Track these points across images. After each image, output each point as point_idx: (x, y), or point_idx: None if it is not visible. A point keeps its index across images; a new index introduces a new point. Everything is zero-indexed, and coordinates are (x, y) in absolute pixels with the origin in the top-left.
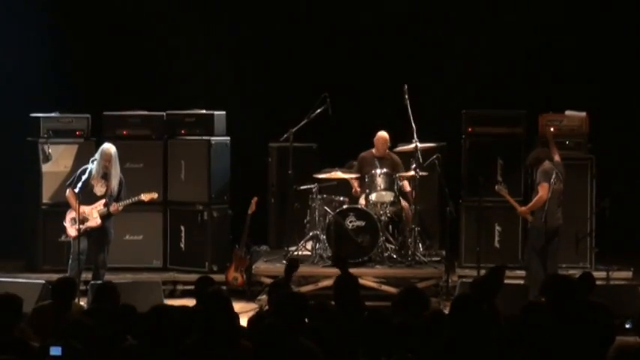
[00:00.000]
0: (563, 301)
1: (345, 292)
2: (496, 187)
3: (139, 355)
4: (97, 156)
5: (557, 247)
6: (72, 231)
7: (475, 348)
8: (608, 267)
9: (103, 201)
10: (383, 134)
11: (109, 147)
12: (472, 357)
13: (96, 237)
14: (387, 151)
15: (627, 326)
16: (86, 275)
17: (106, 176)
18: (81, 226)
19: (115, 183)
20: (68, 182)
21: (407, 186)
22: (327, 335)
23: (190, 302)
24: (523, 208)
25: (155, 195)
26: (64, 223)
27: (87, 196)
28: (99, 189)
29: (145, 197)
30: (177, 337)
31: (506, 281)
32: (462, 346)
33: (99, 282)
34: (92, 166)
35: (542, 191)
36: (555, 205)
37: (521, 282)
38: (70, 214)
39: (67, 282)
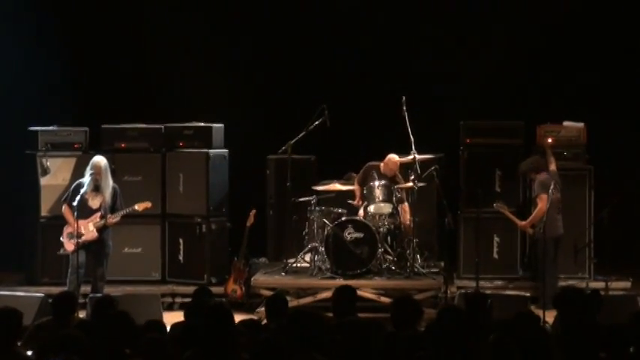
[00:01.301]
0: (574, 315)
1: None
2: (494, 204)
3: None
4: (87, 169)
5: (555, 257)
6: (69, 245)
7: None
8: (607, 277)
9: (98, 214)
10: (394, 159)
11: (99, 160)
12: None
13: (94, 250)
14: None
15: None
16: (85, 288)
17: (98, 189)
18: (78, 240)
19: (108, 194)
20: (63, 198)
21: (406, 218)
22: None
23: None
24: (523, 223)
25: (149, 204)
26: (61, 239)
27: (82, 210)
28: (93, 202)
29: (138, 207)
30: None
31: (505, 292)
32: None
33: (98, 295)
34: (86, 180)
35: (542, 203)
36: (555, 214)
37: (518, 293)
38: (67, 229)
39: (67, 296)
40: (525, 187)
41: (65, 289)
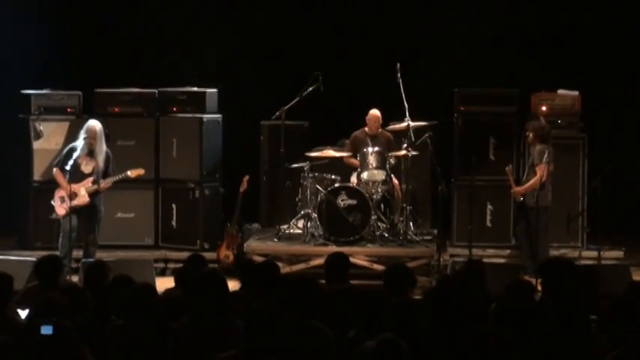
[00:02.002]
0: (559, 285)
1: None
2: (507, 168)
3: (125, 335)
4: (82, 133)
5: (547, 226)
6: (60, 209)
7: (461, 328)
8: (600, 247)
9: (90, 178)
10: (375, 112)
11: (94, 124)
12: (459, 337)
13: (85, 215)
14: (380, 129)
15: None
16: (78, 253)
17: (91, 153)
18: (70, 205)
19: (101, 160)
20: (55, 162)
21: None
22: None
23: None
24: (519, 188)
25: (142, 171)
26: (52, 202)
27: (74, 175)
28: (86, 167)
29: (131, 174)
30: (166, 316)
31: (497, 260)
32: (447, 327)
33: (90, 260)
34: (79, 144)
35: (540, 172)
36: (548, 184)
37: (512, 261)
38: (58, 193)
39: (50, 260)
40: (519, 155)
41: (52, 253)
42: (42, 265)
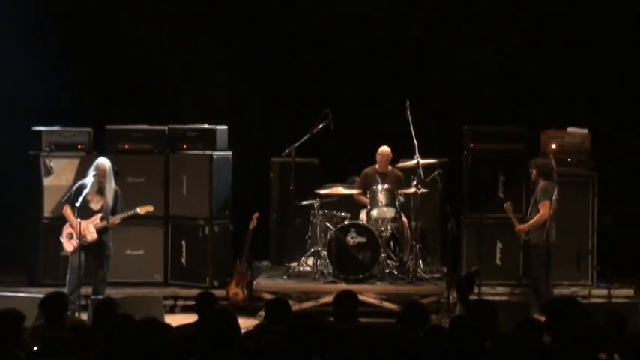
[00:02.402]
0: (564, 323)
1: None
2: (504, 205)
3: None
4: (91, 171)
5: (550, 264)
6: (68, 246)
7: None
8: (610, 285)
9: (99, 215)
10: (385, 149)
11: (103, 162)
12: None
13: (94, 251)
14: (390, 166)
15: None
16: (87, 290)
17: (101, 191)
18: (79, 242)
19: (110, 197)
20: (64, 198)
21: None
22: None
23: (191, 318)
24: (522, 226)
25: (151, 208)
26: (61, 239)
27: (83, 212)
28: (95, 204)
29: (140, 211)
30: (176, 356)
31: (507, 298)
32: None
33: (99, 297)
34: (89, 181)
35: (544, 210)
36: (553, 222)
37: (521, 299)
38: (66, 230)
39: (55, 297)
40: (529, 193)
41: (58, 290)
42: (47, 301)
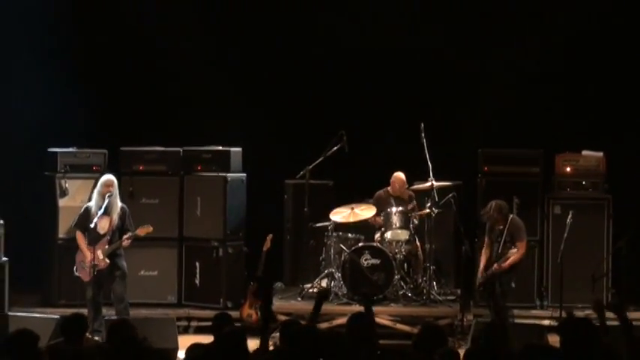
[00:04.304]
0: (578, 344)
1: (358, 330)
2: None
3: None
4: (97, 189)
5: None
6: (83, 274)
7: None
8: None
9: (106, 239)
10: (401, 176)
11: (107, 176)
12: None
13: (108, 274)
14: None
15: None
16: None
17: (106, 210)
18: (90, 271)
19: (115, 215)
20: (74, 223)
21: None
22: None
23: (204, 339)
24: (505, 264)
25: (150, 228)
26: (75, 272)
27: (90, 236)
28: (101, 226)
29: (140, 232)
30: None
31: (521, 321)
32: None
33: (113, 317)
34: (94, 202)
35: (523, 249)
36: None
37: (535, 322)
38: (79, 257)
39: (76, 318)
40: (543, 216)
41: (78, 311)
42: (67, 323)
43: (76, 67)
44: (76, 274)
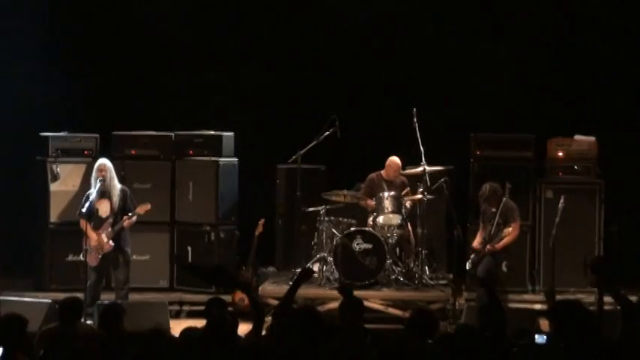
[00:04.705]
0: (573, 329)
1: (350, 315)
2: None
3: None
4: (93, 174)
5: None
6: (91, 260)
7: None
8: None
9: (109, 221)
10: (396, 161)
11: (102, 160)
12: None
13: (112, 259)
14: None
15: None
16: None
17: (105, 194)
18: (97, 255)
19: (115, 198)
20: (78, 212)
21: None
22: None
23: (197, 323)
24: (499, 245)
25: (148, 206)
26: (80, 256)
27: (93, 220)
28: (102, 210)
29: (139, 210)
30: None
31: (515, 305)
32: None
33: (105, 302)
34: (93, 188)
35: (517, 230)
36: None
37: (527, 306)
38: (85, 243)
39: (74, 302)
40: (535, 200)
41: (75, 295)
42: (65, 306)
43: (68, 51)
44: (69, 258)
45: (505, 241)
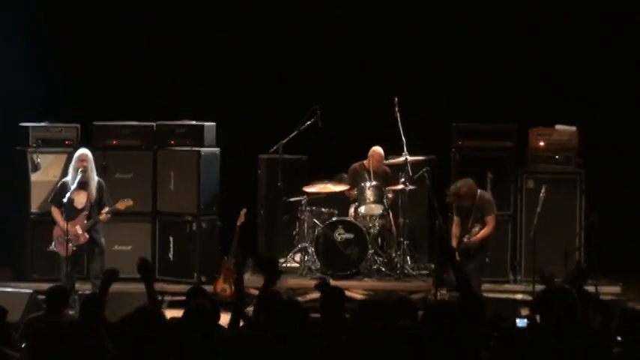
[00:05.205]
0: (560, 317)
1: (331, 309)
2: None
3: None
4: (72, 164)
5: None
6: (60, 249)
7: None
8: (597, 282)
9: (84, 214)
10: (379, 151)
11: (82, 150)
12: None
13: (87, 250)
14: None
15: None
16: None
17: (83, 185)
18: (70, 246)
19: (93, 190)
20: (50, 198)
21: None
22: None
23: (178, 313)
24: (475, 238)
25: (130, 202)
26: (52, 247)
27: (69, 211)
28: (78, 201)
29: (120, 205)
30: (165, 347)
31: (495, 295)
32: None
33: (86, 292)
34: (70, 177)
35: (493, 222)
36: None
37: (509, 296)
38: (56, 232)
39: (60, 290)
40: (516, 190)
41: (59, 284)
42: (53, 294)
43: (48, 40)
44: (53, 249)
45: (482, 234)
